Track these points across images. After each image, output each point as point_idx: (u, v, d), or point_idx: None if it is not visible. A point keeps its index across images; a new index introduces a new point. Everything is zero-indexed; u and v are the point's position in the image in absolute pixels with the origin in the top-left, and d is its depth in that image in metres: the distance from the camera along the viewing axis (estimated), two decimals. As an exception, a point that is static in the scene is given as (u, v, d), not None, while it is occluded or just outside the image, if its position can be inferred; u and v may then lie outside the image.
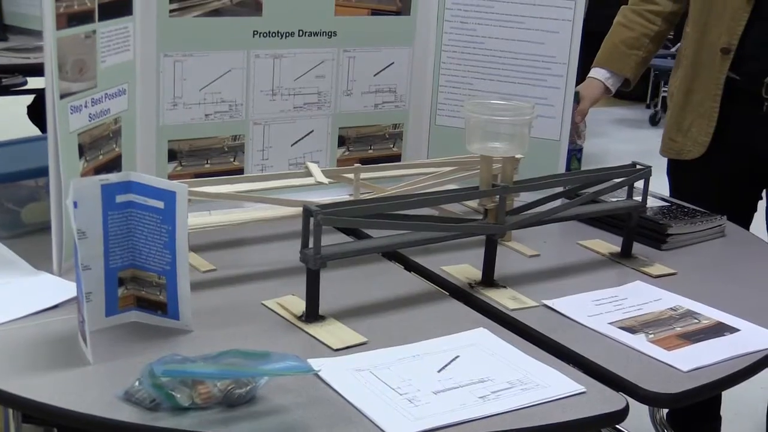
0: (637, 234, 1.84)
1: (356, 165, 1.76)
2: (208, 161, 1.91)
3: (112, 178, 1.36)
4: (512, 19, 2.04)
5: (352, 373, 1.29)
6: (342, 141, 2.05)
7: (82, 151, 1.61)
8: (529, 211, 1.67)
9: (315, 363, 1.25)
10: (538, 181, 1.64)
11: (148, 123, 1.81)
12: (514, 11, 2.03)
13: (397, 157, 2.12)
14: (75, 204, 1.33)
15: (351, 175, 1.73)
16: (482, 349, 1.39)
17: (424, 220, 1.55)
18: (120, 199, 1.37)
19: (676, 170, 2.31)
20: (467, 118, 1.58)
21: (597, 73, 2.34)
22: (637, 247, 1.84)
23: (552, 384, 1.29)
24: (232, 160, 1.93)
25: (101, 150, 1.68)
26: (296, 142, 2.00)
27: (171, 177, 1.85)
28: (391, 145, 2.12)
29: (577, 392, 1.28)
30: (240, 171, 1.94)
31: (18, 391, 1.23)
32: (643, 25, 2.30)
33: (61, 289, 1.51)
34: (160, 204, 1.36)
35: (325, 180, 1.68)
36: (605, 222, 1.94)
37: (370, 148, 2.09)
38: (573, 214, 1.72)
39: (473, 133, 1.57)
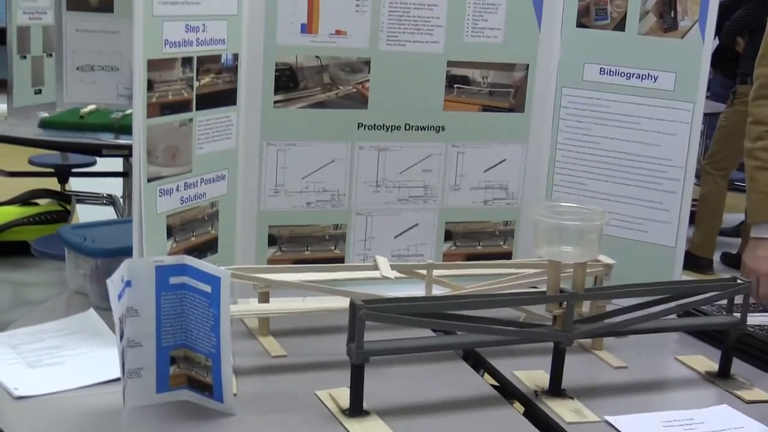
0: (742, 352, 1.71)
1: (429, 261, 1.74)
2: (309, 248, 1.95)
3: (167, 260, 1.43)
4: (628, 119, 1.97)
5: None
6: (449, 235, 2.04)
7: (171, 232, 1.70)
8: (608, 320, 1.58)
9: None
10: (613, 289, 1.57)
11: (249, 208, 1.88)
12: (630, 111, 1.97)
13: (507, 255, 2.08)
14: (129, 283, 1.40)
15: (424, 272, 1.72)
16: (516, 462, 1.33)
17: (484, 322, 1.51)
18: (174, 280, 1.43)
19: None
20: (536, 221, 1.53)
21: None
22: (742, 368, 1.70)
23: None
24: (333, 248, 1.97)
25: (194, 232, 1.76)
26: (400, 235, 2.01)
27: (270, 261, 1.91)
28: (502, 243, 2.08)
29: None
30: (341, 260, 1.97)
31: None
32: None
33: (135, 363, 1.58)
34: (207, 288, 1.41)
35: (391, 274, 1.67)
36: (714, 337, 1.80)
37: (479, 245, 2.07)
38: (657, 327, 1.62)
39: (541, 237, 1.52)
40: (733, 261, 5.07)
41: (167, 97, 1.65)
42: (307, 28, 1.84)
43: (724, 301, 1.68)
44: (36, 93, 3.92)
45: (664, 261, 1.96)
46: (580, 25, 1.99)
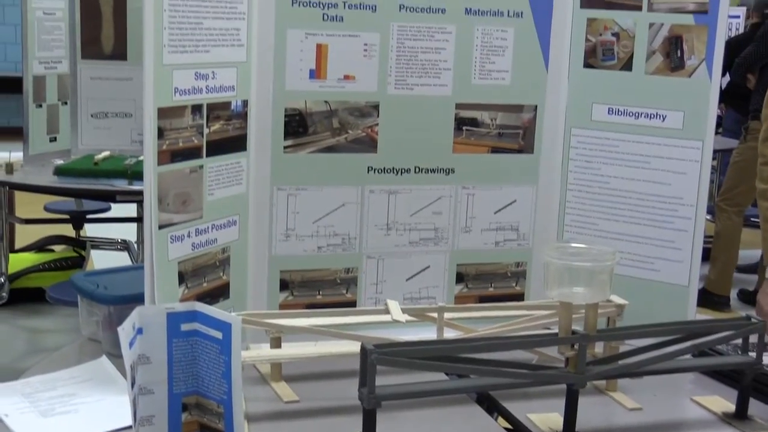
0: (759, 392, 1.69)
1: (440, 305, 1.74)
2: (320, 292, 1.95)
3: (178, 307, 1.43)
4: (638, 158, 1.97)
5: None
6: (461, 277, 2.04)
7: (182, 278, 1.70)
8: (622, 361, 1.57)
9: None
10: (625, 329, 1.56)
11: (260, 253, 1.89)
12: (639, 150, 1.97)
13: (519, 296, 2.07)
14: (140, 330, 1.40)
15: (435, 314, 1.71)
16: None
17: (497, 365, 1.50)
18: (185, 327, 1.43)
19: None
20: (546, 262, 1.53)
21: None
22: (760, 408, 1.68)
23: None
24: (344, 292, 1.96)
25: (205, 278, 1.76)
26: (411, 277, 2.00)
27: (282, 306, 1.91)
28: (514, 284, 2.08)
29: None
30: (353, 303, 1.97)
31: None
32: None
33: (147, 410, 1.58)
34: (219, 334, 1.41)
35: (402, 318, 1.67)
36: (730, 377, 1.79)
37: (491, 286, 2.06)
38: (672, 367, 1.61)
39: (551, 278, 1.52)
40: (750, 298, 5.03)
41: (177, 145, 1.66)
42: (315, 74, 1.86)
43: (740, 341, 1.67)
44: (51, 141, 3.97)
45: (677, 300, 1.95)
46: (587, 65, 2.00)
